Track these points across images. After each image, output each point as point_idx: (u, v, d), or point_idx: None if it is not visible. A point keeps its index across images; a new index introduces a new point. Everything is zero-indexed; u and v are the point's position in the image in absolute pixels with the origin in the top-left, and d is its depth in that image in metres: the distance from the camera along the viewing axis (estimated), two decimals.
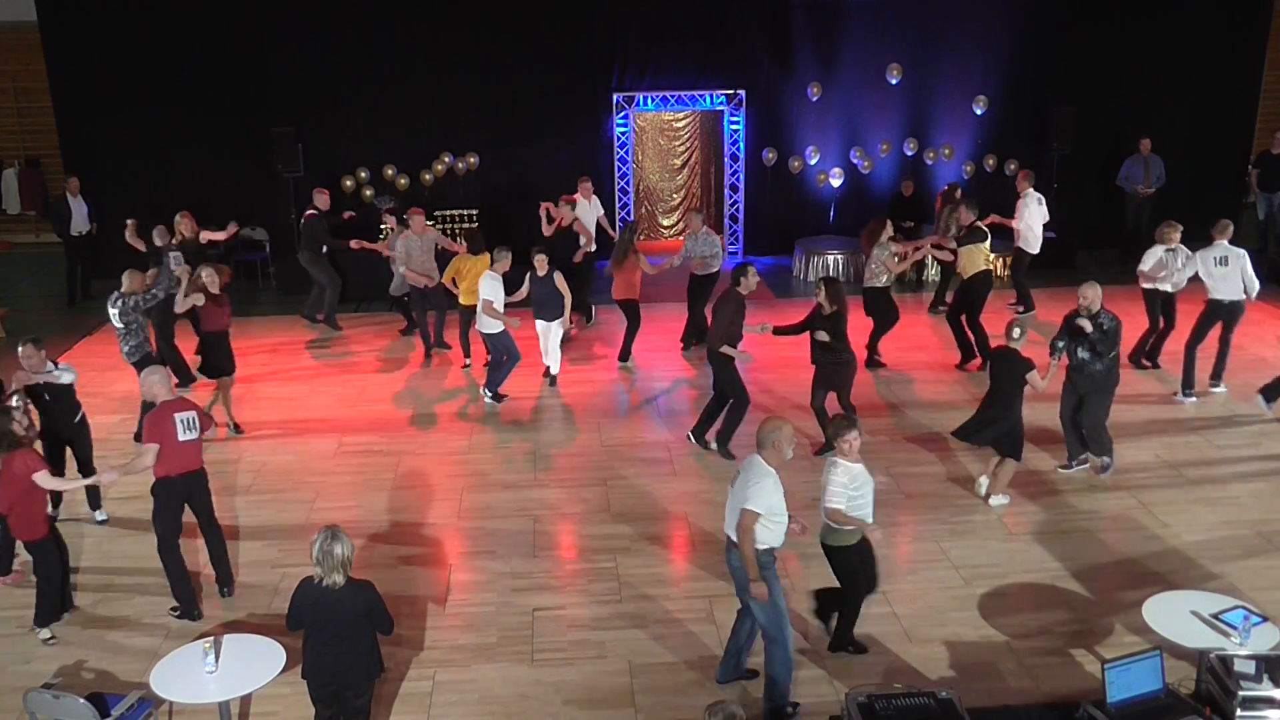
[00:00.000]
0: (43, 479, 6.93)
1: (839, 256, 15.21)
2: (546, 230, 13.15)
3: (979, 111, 16.01)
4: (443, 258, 12.22)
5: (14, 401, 7.53)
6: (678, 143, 17.16)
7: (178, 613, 7.30)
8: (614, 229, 14.44)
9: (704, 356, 10.15)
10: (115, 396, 11.14)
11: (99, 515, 8.68)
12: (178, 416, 7.13)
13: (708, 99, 15.97)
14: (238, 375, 10.54)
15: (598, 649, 6.93)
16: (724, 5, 15.50)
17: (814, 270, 15.22)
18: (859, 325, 11.30)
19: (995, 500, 8.67)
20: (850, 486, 6.42)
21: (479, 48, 15.27)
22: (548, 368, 11.65)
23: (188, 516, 7.37)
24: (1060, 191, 15.44)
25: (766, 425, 6.11)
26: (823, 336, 9.27)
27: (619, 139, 15.88)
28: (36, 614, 7.10)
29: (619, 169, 16.00)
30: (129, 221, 12.85)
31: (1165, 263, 10.87)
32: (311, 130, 15.24)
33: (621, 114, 15.78)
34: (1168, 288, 11.02)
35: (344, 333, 13.38)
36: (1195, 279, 10.80)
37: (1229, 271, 10.37)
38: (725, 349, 9.34)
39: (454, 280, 11.55)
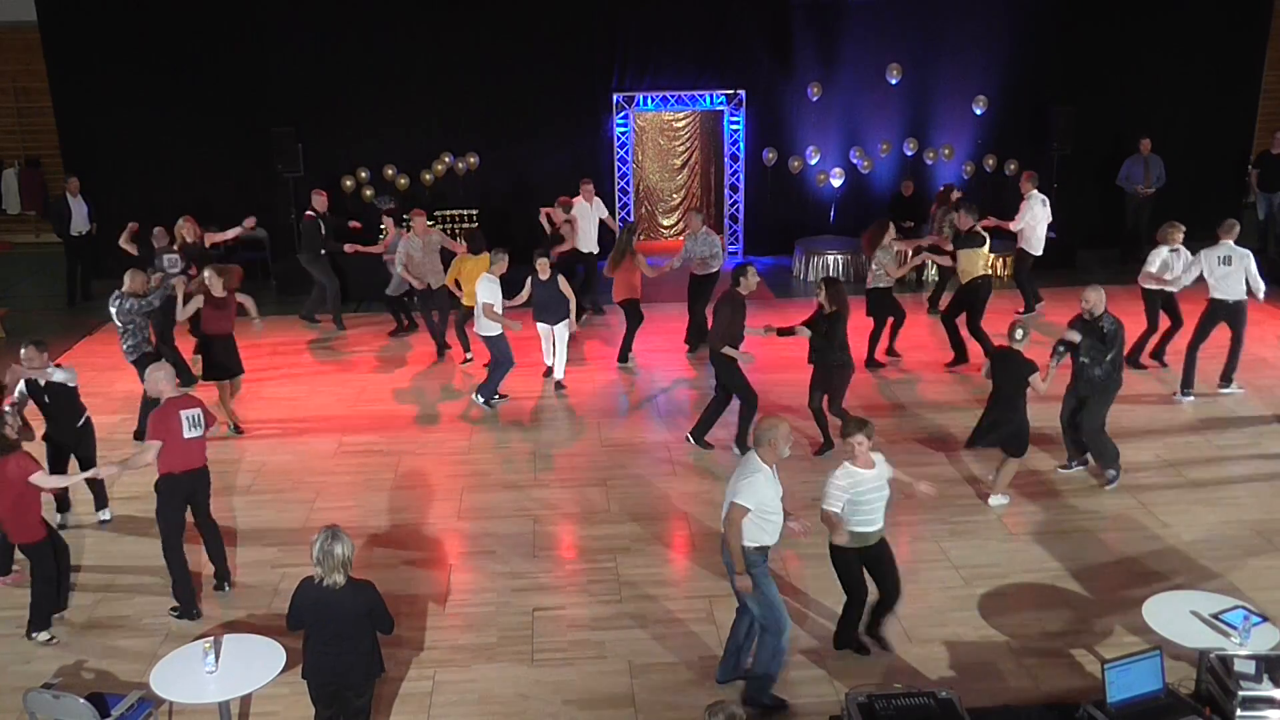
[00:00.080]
0: (40, 479, 6.93)
1: (839, 256, 15.22)
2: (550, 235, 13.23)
3: (979, 111, 16.02)
4: (447, 258, 12.21)
5: (6, 406, 7.53)
6: (678, 143, 17.16)
7: (177, 612, 7.30)
8: (618, 229, 14.45)
9: (705, 357, 10.16)
10: (116, 396, 11.14)
11: (103, 515, 8.67)
12: (183, 413, 7.14)
13: (708, 99, 15.97)
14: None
15: (598, 649, 6.93)
16: (724, 5, 15.50)
17: (814, 270, 15.22)
18: (861, 326, 11.34)
19: (995, 500, 8.67)
20: (851, 490, 6.39)
21: (479, 48, 15.28)
22: (549, 368, 11.66)
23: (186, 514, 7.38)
24: (1060, 191, 15.44)
25: (763, 423, 6.18)
26: (804, 333, 9.29)
27: (619, 139, 15.88)
28: (31, 620, 7.07)
29: (619, 169, 15.99)
30: (129, 225, 12.80)
31: (1169, 264, 10.87)
32: (311, 130, 15.24)
33: (621, 114, 15.78)
34: (1172, 289, 11.02)
35: (345, 332, 13.38)
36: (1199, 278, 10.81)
37: (1231, 271, 10.36)
38: (727, 350, 9.34)
39: (457, 282, 11.54)
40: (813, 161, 16.16)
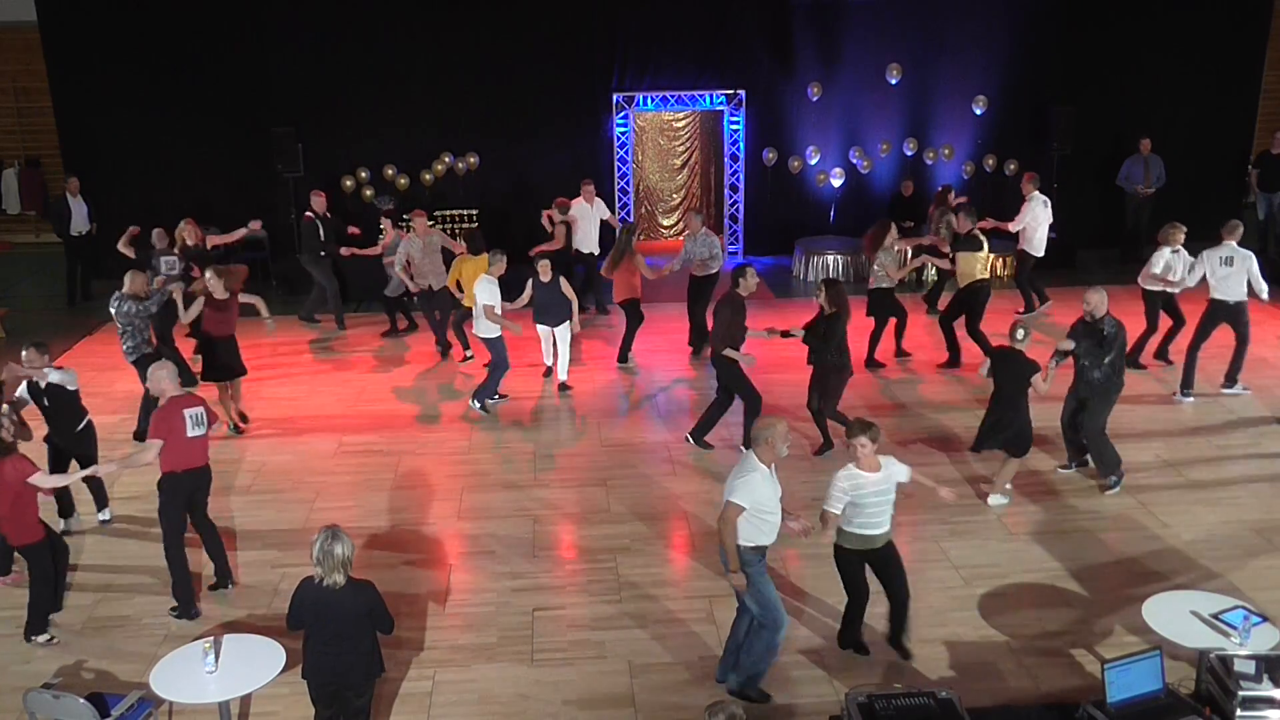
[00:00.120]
0: (39, 479, 6.92)
1: (839, 256, 15.22)
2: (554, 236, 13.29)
3: (979, 111, 16.02)
4: (449, 258, 12.19)
5: (4, 407, 7.53)
6: (678, 143, 17.16)
7: (176, 612, 7.30)
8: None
9: (708, 359, 10.13)
10: (116, 396, 11.14)
11: (103, 515, 8.65)
12: (187, 412, 7.15)
13: (708, 99, 15.97)
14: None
15: (598, 649, 6.93)
16: (724, 5, 15.50)
17: (814, 270, 15.23)
18: (863, 326, 11.35)
19: (994, 499, 8.67)
20: (851, 492, 6.39)
21: (479, 48, 15.28)
22: (549, 368, 11.66)
23: None
24: (1060, 191, 15.44)
25: (760, 422, 6.21)
26: (795, 332, 9.29)
27: (619, 139, 15.88)
28: (29, 623, 7.06)
29: (619, 169, 15.99)
30: (129, 229, 12.75)
31: (1171, 265, 10.87)
32: (311, 130, 15.24)
33: (621, 114, 15.78)
34: (1175, 289, 11.02)
35: (345, 332, 13.38)
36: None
37: (1233, 272, 10.35)
38: (728, 352, 9.33)
39: (459, 285, 11.52)
40: (813, 161, 16.16)
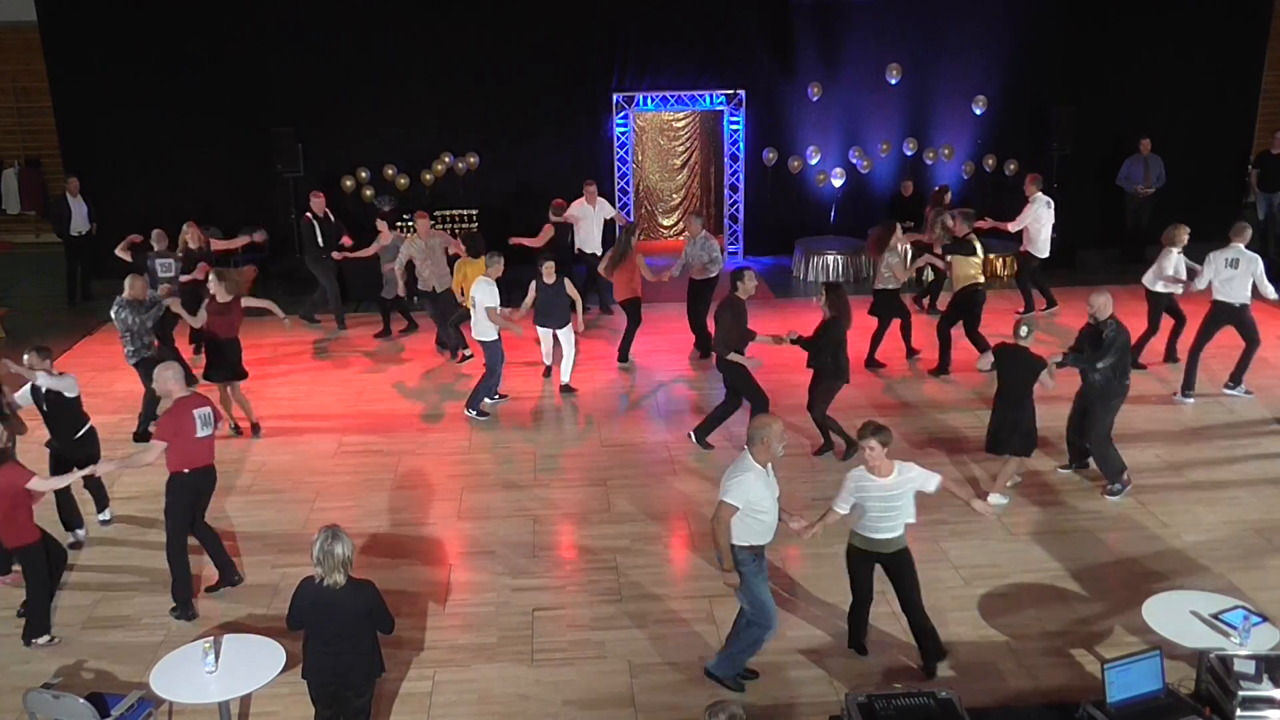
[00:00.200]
0: (36, 484, 6.87)
1: (839, 257, 15.22)
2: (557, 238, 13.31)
3: (979, 111, 16.02)
4: (452, 259, 12.20)
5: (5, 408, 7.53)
6: (678, 143, 17.17)
7: (176, 613, 7.30)
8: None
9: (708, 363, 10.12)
10: (116, 396, 11.14)
11: (103, 516, 8.64)
12: (196, 412, 7.16)
13: (708, 99, 15.97)
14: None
15: (598, 649, 6.93)
16: (724, 5, 15.51)
17: (814, 270, 15.23)
18: (865, 326, 11.36)
19: (994, 498, 8.66)
20: (857, 494, 6.40)
21: (479, 48, 15.28)
22: (548, 368, 11.65)
23: None
24: (1060, 191, 15.43)
25: (756, 421, 6.23)
26: (791, 337, 9.28)
27: (619, 139, 15.88)
28: (28, 626, 7.04)
29: (619, 169, 15.99)
30: (129, 238, 12.68)
31: (1179, 265, 10.88)
32: (311, 130, 15.25)
33: (621, 114, 15.78)
34: (1177, 290, 11.02)
35: (345, 332, 13.38)
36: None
37: (1237, 274, 10.33)
38: (733, 356, 9.33)
39: (463, 290, 11.47)
40: (813, 161, 16.16)
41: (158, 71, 15.08)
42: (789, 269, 15.82)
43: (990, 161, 16.10)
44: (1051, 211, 13.12)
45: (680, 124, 17.03)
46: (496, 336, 10.55)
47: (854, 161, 16.15)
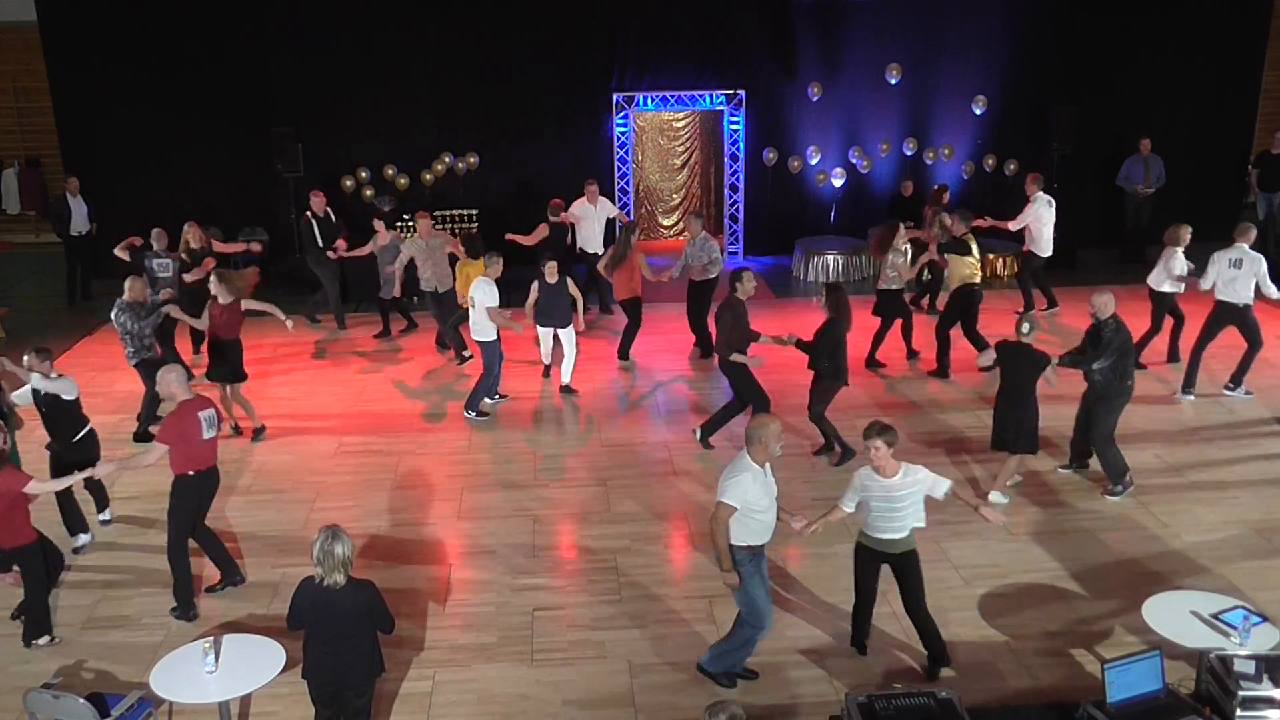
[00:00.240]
0: (34, 486, 6.84)
1: (839, 257, 15.22)
2: (565, 238, 13.32)
3: (979, 111, 16.02)
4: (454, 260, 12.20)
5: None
6: (678, 143, 17.17)
7: (176, 613, 7.30)
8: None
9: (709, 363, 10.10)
10: (116, 396, 11.14)
11: (103, 516, 8.63)
12: (201, 415, 7.16)
13: (708, 99, 15.97)
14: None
15: (598, 649, 6.93)
16: (724, 5, 15.51)
17: (814, 270, 15.24)
18: (868, 326, 11.36)
19: (994, 496, 8.66)
20: (861, 492, 6.41)
21: (479, 48, 15.28)
22: (547, 367, 11.65)
23: None
24: (1060, 191, 15.43)
25: (754, 421, 6.23)
26: (792, 340, 9.28)
27: (619, 139, 15.88)
28: (27, 628, 7.04)
29: (619, 169, 15.99)
30: (129, 239, 12.65)
31: (1184, 264, 10.91)
32: (311, 130, 15.25)
33: (621, 114, 15.79)
34: (1181, 288, 11.02)
35: (345, 332, 13.38)
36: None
37: (1240, 275, 10.32)
38: (736, 356, 9.33)
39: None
40: (813, 161, 16.16)
41: (158, 71, 15.08)
42: (789, 269, 15.82)
43: (990, 161, 16.11)
44: (1053, 210, 13.11)
45: (680, 124, 17.03)
46: (495, 337, 10.53)
47: (854, 161, 16.15)
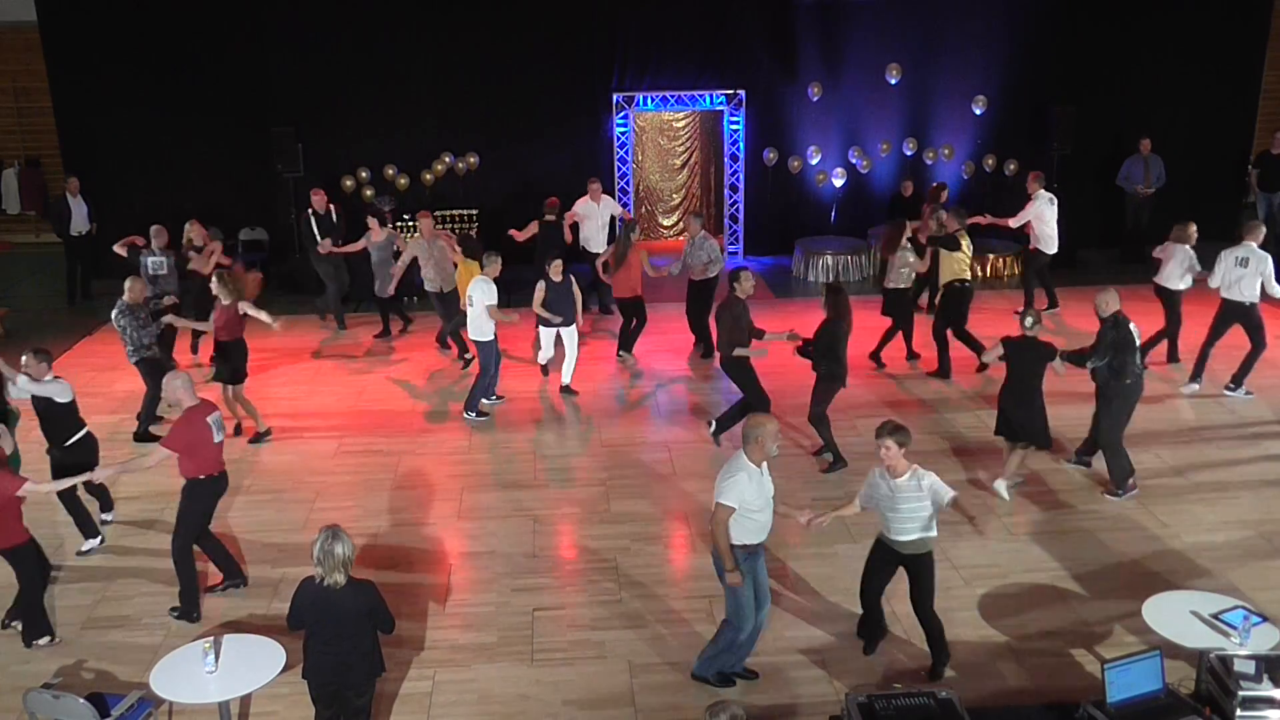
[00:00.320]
0: (28, 489, 6.78)
1: (839, 257, 15.22)
2: (567, 237, 13.30)
3: (979, 111, 16.02)
4: None
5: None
6: (678, 143, 17.17)
7: (177, 613, 7.30)
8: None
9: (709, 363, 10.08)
10: (116, 396, 11.14)
11: (106, 516, 8.61)
12: (210, 419, 7.16)
13: (708, 99, 15.97)
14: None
15: (598, 649, 6.93)
16: (724, 5, 15.51)
17: (814, 270, 15.24)
18: (875, 325, 11.34)
19: (999, 484, 8.69)
20: (872, 489, 6.43)
21: (479, 48, 15.28)
22: (544, 367, 11.64)
23: None
24: (1060, 191, 15.42)
25: (751, 420, 6.21)
26: (791, 338, 9.29)
27: (619, 139, 15.88)
28: (25, 629, 7.02)
29: (619, 169, 15.99)
30: (129, 238, 12.62)
31: (1193, 262, 10.92)
32: (311, 130, 15.25)
33: (621, 114, 15.78)
34: (1187, 284, 11.04)
35: (345, 332, 13.38)
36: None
37: (1246, 274, 10.31)
38: (738, 351, 9.33)
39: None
40: (813, 161, 16.16)
41: (158, 71, 15.08)
42: (789, 269, 15.82)
43: (990, 161, 16.10)
44: (1055, 208, 13.11)
45: (680, 124, 17.03)
46: (492, 337, 10.52)
47: (854, 161, 16.15)
